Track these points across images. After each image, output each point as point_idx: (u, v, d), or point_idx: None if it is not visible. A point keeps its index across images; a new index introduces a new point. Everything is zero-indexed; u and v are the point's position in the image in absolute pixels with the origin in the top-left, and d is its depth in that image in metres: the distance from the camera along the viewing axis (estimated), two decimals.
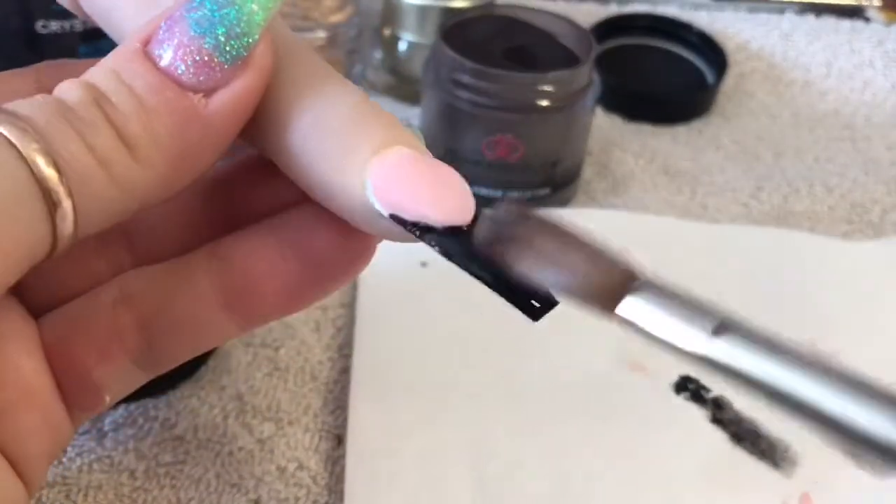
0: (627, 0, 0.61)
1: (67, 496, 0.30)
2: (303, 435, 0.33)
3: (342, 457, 0.32)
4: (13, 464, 0.22)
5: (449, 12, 0.49)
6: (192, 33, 0.20)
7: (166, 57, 0.20)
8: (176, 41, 0.20)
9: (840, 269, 0.41)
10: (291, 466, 0.32)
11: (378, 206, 0.19)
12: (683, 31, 0.57)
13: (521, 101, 0.41)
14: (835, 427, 0.15)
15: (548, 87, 0.41)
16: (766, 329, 0.17)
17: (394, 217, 0.19)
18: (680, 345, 0.17)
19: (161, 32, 0.20)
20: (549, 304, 0.20)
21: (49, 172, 0.18)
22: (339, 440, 0.33)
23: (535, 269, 0.19)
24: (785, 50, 0.57)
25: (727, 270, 0.41)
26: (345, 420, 0.33)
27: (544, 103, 0.41)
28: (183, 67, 0.20)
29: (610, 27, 0.57)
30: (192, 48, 0.20)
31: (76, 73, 0.24)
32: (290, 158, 0.21)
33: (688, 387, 0.35)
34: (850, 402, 0.15)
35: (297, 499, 0.31)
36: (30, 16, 0.45)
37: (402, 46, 0.51)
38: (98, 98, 0.19)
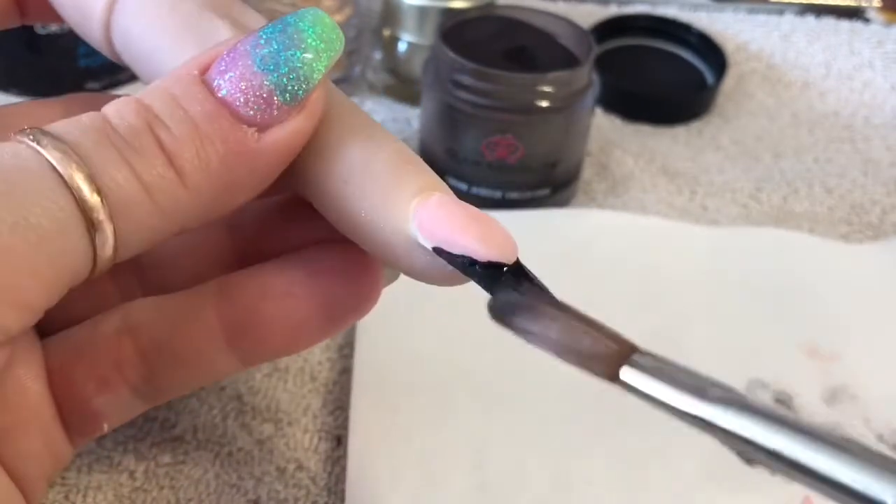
0: (627, 1, 0.61)
1: (66, 497, 0.30)
2: (302, 435, 0.33)
3: (342, 457, 0.32)
4: (17, 482, 0.22)
5: (449, 13, 0.49)
6: (256, 69, 0.20)
7: (225, 87, 0.20)
8: (238, 73, 0.20)
9: (840, 270, 0.41)
10: (291, 467, 0.32)
11: (422, 240, 0.20)
12: (683, 32, 0.57)
13: (521, 102, 0.41)
14: (817, 480, 0.17)
15: (547, 88, 0.41)
16: (759, 400, 0.19)
17: (437, 250, 0.20)
18: (678, 406, 0.19)
19: (223, 63, 0.20)
20: None
21: (93, 200, 0.18)
22: (339, 441, 0.33)
23: (548, 334, 0.20)
24: (784, 51, 0.57)
25: (727, 271, 0.41)
26: (344, 420, 0.33)
27: (544, 104, 0.41)
28: (242, 100, 0.20)
29: (610, 28, 0.57)
30: (255, 83, 0.20)
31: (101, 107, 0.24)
32: (330, 197, 0.21)
33: None
34: (833, 461, 0.17)
35: (297, 499, 0.31)
36: None
37: (402, 47, 0.51)
38: (151, 122, 0.19)
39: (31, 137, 0.18)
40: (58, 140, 0.18)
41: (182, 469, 0.31)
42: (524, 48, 0.43)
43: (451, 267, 0.20)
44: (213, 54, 0.20)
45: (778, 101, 0.55)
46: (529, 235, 0.42)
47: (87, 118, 0.19)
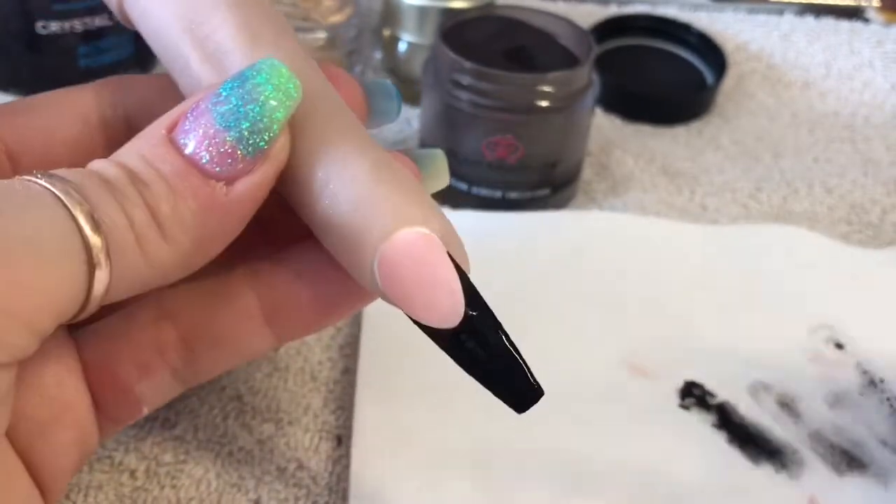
0: (627, 0, 0.61)
1: (67, 496, 0.30)
2: (303, 435, 0.33)
3: (342, 457, 0.32)
4: (43, 478, 0.22)
5: (448, 13, 0.49)
6: (218, 126, 0.21)
7: (190, 146, 0.21)
8: (201, 132, 0.21)
9: (842, 272, 0.41)
10: (291, 466, 0.32)
11: (385, 294, 0.21)
12: (683, 32, 0.57)
13: (521, 102, 0.41)
14: None
15: (547, 88, 0.41)
16: None
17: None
18: None
19: (186, 122, 0.21)
20: (534, 398, 0.22)
21: (94, 237, 0.19)
22: (339, 440, 0.33)
23: None
24: (784, 51, 0.57)
25: (727, 271, 0.41)
26: (345, 420, 0.33)
27: (544, 104, 0.41)
28: (207, 157, 0.21)
29: (609, 28, 0.57)
30: (217, 140, 0.21)
31: (133, 89, 0.26)
32: (311, 225, 0.22)
33: (693, 392, 0.35)
34: None
35: (297, 499, 0.31)
36: (30, 17, 0.45)
37: (402, 47, 0.51)
38: (132, 177, 0.20)
39: (39, 176, 0.19)
40: (63, 181, 0.19)
41: (183, 468, 0.31)
42: (524, 48, 0.43)
43: None
44: (179, 112, 0.21)
45: (778, 101, 0.55)
46: (529, 236, 0.42)
47: (82, 170, 0.20)
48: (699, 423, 0.34)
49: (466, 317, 0.21)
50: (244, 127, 0.20)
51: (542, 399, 0.35)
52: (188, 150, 0.21)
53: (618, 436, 0.33)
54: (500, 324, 0.22)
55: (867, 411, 0.35)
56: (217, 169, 0.21)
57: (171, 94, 0.24)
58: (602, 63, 0.50)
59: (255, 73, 0.21)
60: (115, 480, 0.31)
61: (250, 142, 0.21)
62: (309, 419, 0.33)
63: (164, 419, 0.33)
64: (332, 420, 0.33)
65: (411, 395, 0.34)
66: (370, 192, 0.21)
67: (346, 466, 0.32)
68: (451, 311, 0.21)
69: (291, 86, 0.21)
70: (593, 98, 0.43)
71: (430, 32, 0.49)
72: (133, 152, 0.21)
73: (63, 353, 0.23)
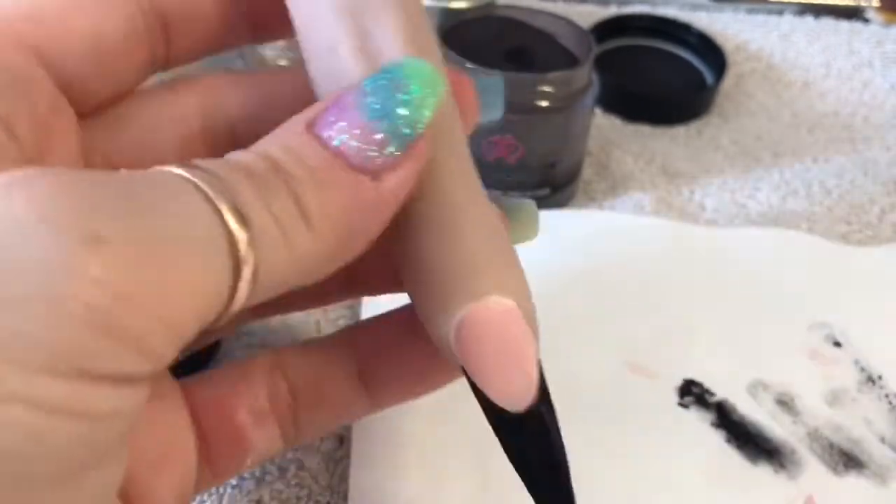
0: (627, 1, 0.61)
1: None
2: None
3: (344, 457, 0.32)
4: None
5: (449, 13, 0.49)
6: (367, 118, 0.20)
7: (336, 138, 0.20)
8: (347, 124, 0.20)
9: (840, 270, 0.41)
10: (292, 467, 0.32)
11: (455, 355, 0.21)
12: (683, 32, 0.57)
13: (521, 102, 0.41)
14: None
15: (547, 88, 0.41)
16: None
17: (462, 367, 0.21)
18: None
19: (331, 115, 0.20)
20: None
21: (240, 231, 0.18)
22: (341, 440, 0.33)
23: None
24: (784, 51, 0.57)
25: (727, 271, 0.41)
26: None
27: (544, 104, 0.41)
28: (356, 149, 0.20)
29: (609, 28, 0.57)
30: (367, 131, 0.20)
31: (236, 91, 0.25)
32: (401, 267, 0.22)
33: (692, 391, 0.35)
34: None
35: (299, 498, 0.31)
36: None
37: None
38: (277, 168, 0.19)
39: (178, 166, 0.18)
40: (204, 171, 0.18)
41: None
42: (524, 48, 0.43)
43: None
44: (317, 109, 0.20)
45: (778, 101, 0.55)
46: None
47: (222, 159, 0.19)
48: (698, 422, 0.34)
49: (536, 405, 0.21)
50: (392, 120, 0.20)
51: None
52: (335, 143, 0.20)
53: (617, 434, 0.33)
54: (558, 423, 0.22)
55: (865, 408, 0.35)
56: (365, 162, 0.20)
57: (277, 96, 0.24)
58: (602, 63, 0.50)
59: (399, 68, 0.20)
60: None
61: (400, 134, 0.20)
62: None
63: None
64: None
65: None
66: (476, 248, 0.21)
67: (347, 466, 0.32)
68: (520, 394, 0.21)
69: (437, 79, 0.20)
70: (593, 98, 0.43)
71: None
72: (276, 143, 0.20)
73: (171, 393, 0.23)
